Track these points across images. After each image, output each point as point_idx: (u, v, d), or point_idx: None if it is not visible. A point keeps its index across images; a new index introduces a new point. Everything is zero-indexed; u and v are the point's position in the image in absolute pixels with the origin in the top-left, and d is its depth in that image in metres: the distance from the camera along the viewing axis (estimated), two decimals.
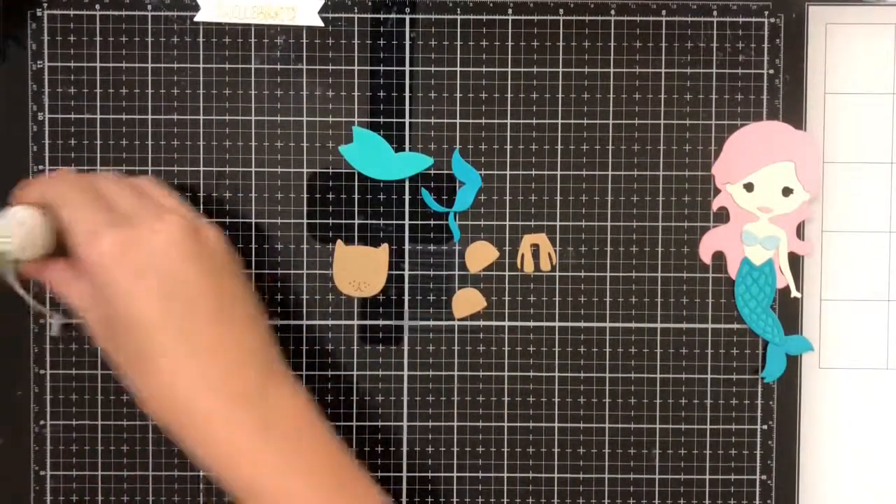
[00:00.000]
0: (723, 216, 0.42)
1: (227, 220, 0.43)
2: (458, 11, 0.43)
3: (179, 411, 0.33)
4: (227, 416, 0.33)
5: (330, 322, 0.43)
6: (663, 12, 0.43)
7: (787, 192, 0.40)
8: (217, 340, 0.34)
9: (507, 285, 0.43)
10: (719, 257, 0.42)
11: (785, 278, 0.41)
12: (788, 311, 0.43)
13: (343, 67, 0.43)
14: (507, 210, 0.43)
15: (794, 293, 0.41)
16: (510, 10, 0.43)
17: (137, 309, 0.33)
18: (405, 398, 0.43)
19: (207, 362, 0.34)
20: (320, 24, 0.43)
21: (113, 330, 0.34)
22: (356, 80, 0.43)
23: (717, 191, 0.41)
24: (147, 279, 0.34)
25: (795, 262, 0.42)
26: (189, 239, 0.35)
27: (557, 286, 0.43)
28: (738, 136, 0.40)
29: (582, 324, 0.43)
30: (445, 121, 0.43)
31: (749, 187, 0.40)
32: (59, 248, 0.36)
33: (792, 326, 0.43)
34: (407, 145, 0.43)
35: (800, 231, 0.42)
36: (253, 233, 0.43)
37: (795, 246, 0.41)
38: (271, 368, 0.35)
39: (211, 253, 0.36)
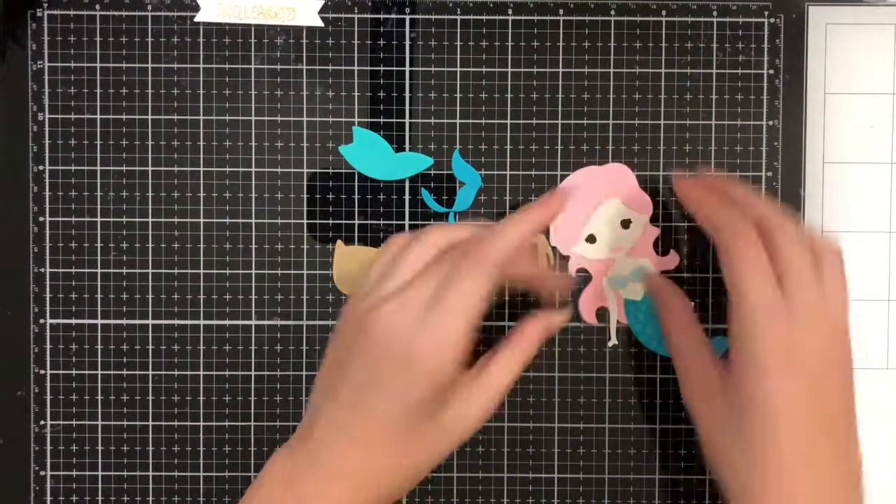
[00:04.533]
0: (587, 277, 0.41)
1: (228, 220, 0.43)
2: (458, 11, 0.43)
3: None
4: None
5: (330, 322, 0.43)
6: (663, 12, 0.43)
7: (626, 224, 0.39)
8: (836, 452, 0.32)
9: (506, 285, 0.43)
10: (604, 310, 0.42)
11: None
12: None
13: (343, 67, 0.43)
14: (507, 210, 0.43)
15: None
16: (510, 10, 0.43)
17: (779, 407, 0.31)
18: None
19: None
20: (320, 24, 0.43)
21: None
22: (356, 80, 0.43)
23: (566, 258, 0.39)
24: (802, 372, 0.31)
25: None
26: None
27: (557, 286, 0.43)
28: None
29: (582, 324, 0.43)
30: (445, 121, 0.43)
31: (591, 239, 0.39)
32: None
33: None
34: (407, 145, 0.43)
35: (656, 246, 0.41)
36: (253, 233, 0.43)
37: (662, 264, 0.40)
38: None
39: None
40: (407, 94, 0.43)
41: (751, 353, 0.31)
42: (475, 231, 0.36)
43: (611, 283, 0.39)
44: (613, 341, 0.39)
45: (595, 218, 0.39)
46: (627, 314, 0.39)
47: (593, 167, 0.39)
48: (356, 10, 0.43)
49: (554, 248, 0.39)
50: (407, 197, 0.43)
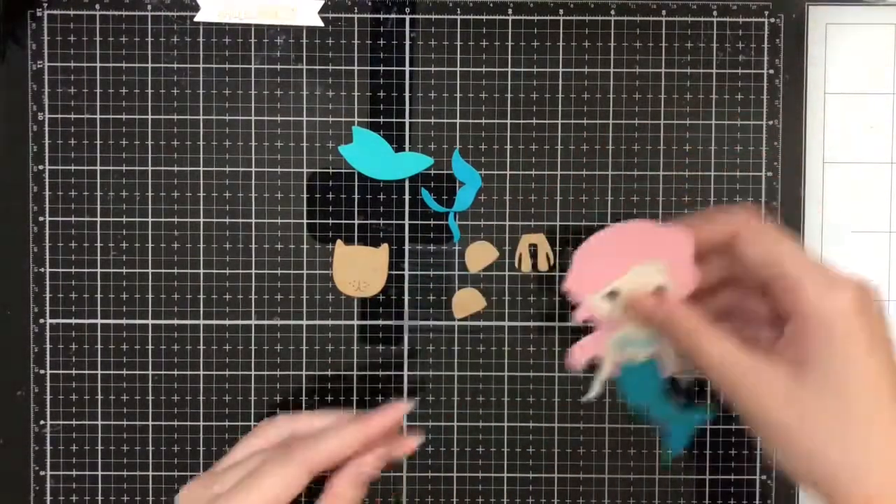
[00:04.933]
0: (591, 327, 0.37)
1: (227, 220, 0.43)
2: (458, 11, 0.43)
3: None
4: None
5: (330, 322, 0.43)
6: (663, 12, 0.43)
7: (658, 290, 0.34)
8: None
9: (507, 285, 0.43)
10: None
11: (670, 368, 0.36)
12: None
13: (343, 67, 0.43)
14: (507, 210, 0.43)
15: (687, 379, 0.36)
16: (510, 10, 0.43)
17: (871, 373, 0.29)
18: (405, 398, 0.43)
19: None
20: (320, 24, 0.43)
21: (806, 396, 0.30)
22: (356, 80, 0.43)
23: (575, 305, 0.35)
24: (876, 340, 0.30)
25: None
26: None
27: (557, 286, 0.43)
28: (591, 245, 0.35)
29: (582, 324, 0.43)
30: (445, 121, 0.43)
31: (612, 296, 0.35)
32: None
33: None
34: (407, 145, 0.43)
35: None
36: (253, 233, 0.43)
37: None
38: None
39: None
40: (407, 94, 0.43)
41: (829, 341, 0.30)
42: (320, 423, 0.35)
43: (616, 342, 0.36)
44: (592, 395, 0.36)
45: (629, 275, 0.35)
46: (623, 372, 0.36)
47: (654, 225, 0.35)
48: (356, 10, 0.43)
49: (565, 294, 0.36)
50: (407, 197, 0.43)
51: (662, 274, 0.34)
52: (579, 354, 0.35)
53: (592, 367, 0.35)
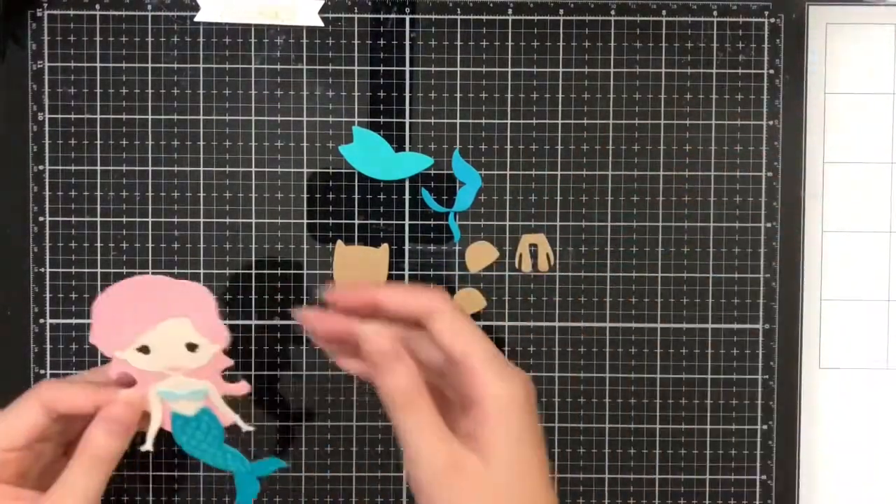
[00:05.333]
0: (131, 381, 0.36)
1: (228, 220, 0.43)
2: (458, 11, 0.43)
3: None
4: None
5: None
6: (663, 12, 0.43)
7: (192, 347, 0.35)
8: None
9: (507, 285, 0.43)
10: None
11: (231, 417, 0.36)
12: (788, 311, 0.43)
13: (343, 67, 0.43)
14: (507, 210, 0.43)
15: (247, 428, 0.35)
16: (510, 10, 0.43)
17: (535, 480, 0.31)
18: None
19: None
20: (320, 24, 0.43)
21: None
22: (356, 80, 0.43)
23: (108, 358, 0.35)
24: (532, 435, 0.32)
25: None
26: None
27: (557, 286, 0.43)
28: (109, 297, 0.34)
29: (582, 324, 0.43)
30: (445, 121, 0.43)
31: (145, 350, 0.34)
32: None
33: (792, 327, 0.43)
34: (407, 145, 0.43)
35: (227, 376, 0.35)
36: (253, 233, 0.43)
37: (228, 389, 0.35)
38: None
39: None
40: (407, 94, 0.43)
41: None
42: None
43: (161, 395, 0.36)
44: (148, 447, 0.35)
45: (157, 331, 0.35)
46: (174, 425, 0.36)
47: (171, 280, 0.35)
48: (356, 10, 0.43)
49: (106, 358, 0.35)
50: (407, 197, 0.43)
51: (190, 329, 0.34)
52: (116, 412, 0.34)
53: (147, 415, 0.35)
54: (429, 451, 0.31)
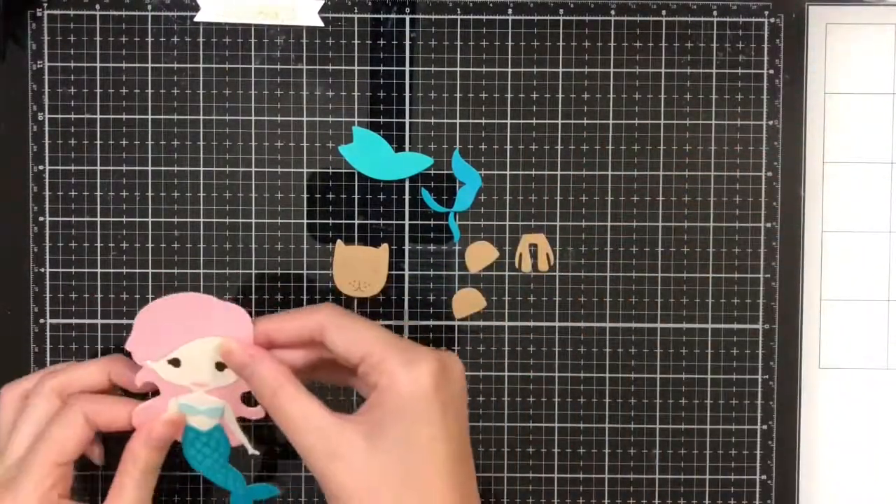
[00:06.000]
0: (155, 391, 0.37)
1: (227, 220, 0.43)
2: (458, 11, 0.43)
3: None
4: None
5: None
6: (663, 12, 0.43)
7: (220, 366, 0.36)
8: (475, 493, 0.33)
9: (507, 285, 0.43)
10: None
11: (238, 439, 0.37)
12: (788, 311, 0.43)
13: (343, 67, 0.43)
14: (507, 210, 0.43)
15: (252, 451, 0.37)
16: (510, 10, 0.43)
17: (437, 454, 0.31)
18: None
19: None
20: (320, 24, 0.43)
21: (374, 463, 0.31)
22: (356, 80, 0.43)
23: (139, 367, 0.36)
24: (449, 417, 0.32)
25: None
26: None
27: (557, 286, 0.43)
28: (152, 310, 0.36)
29: (582, 324, 0.43)
30: (445, 121, 0.43)
31: (175, 363, 0.36)
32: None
33: (792, 327, 0.43)
34: (407, 145, 0.43)
35: (245, 399, 0.37)
36: (253, 233, 0.43)
37: (244, 412, 0.37)
38: None
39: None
40: (407, 94, 0.43)
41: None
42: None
43: (181, 406, 0.37)
44: None
45: (190, 346, 0.36)
46: (186, 437, 0.37)
47: (213, 299, 0.35)
48: (356, 10, 0.43)
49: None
50: (407, 197, 0.43)
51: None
52: (141, 418, 0.36)
53: None
54: (304, 443, 0.32)
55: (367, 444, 0.31)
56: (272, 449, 0.43)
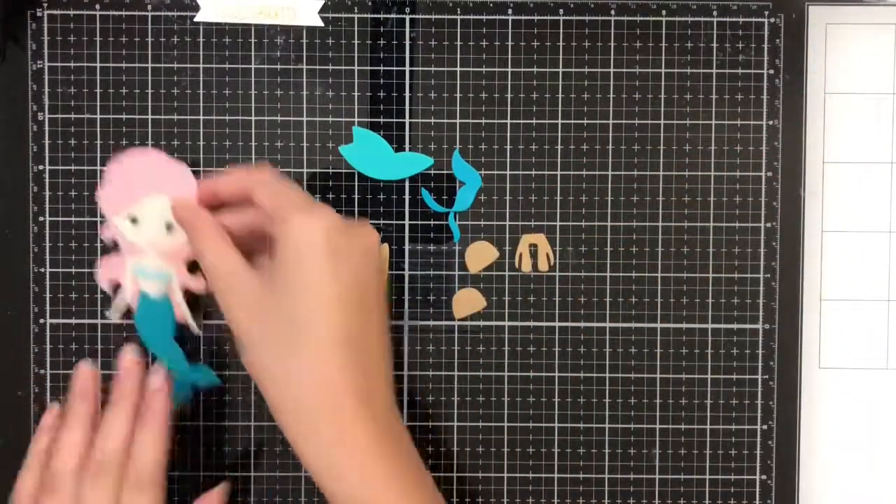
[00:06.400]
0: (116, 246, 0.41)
1: None
2: (458, 11, 0.43)
3: (309, 406, 0.33)
4: (351, 415, 0.33)
5: None
6: (663, 12, 0.43)
7: (169, 227, 0.38)
8: (374, 346, 0.35)
9: (507, 285, 0.43)
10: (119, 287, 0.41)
11: (182, 312, 0.39)
12: (788, 311, 0.43)
13: (343, 67, 0.43)
14: (507, 210, 0.43)
15: (196, 331, 0.39)
16: (510, 10, 0.43)
17: (321, 293, 0.33)
18: (405, 398, 0.43)
19: (355, 359, 0.33)
20: (320, 24, 0.43)
21: (267, 314, 0.34)
22: (356, 80, 0.43)
23: (104, 220, 0.39)
24: (340, 266, 0.33)
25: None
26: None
27: (557, 286, 0.43)
28: (120, 164, 0.39)
29: (582, 324, 0.43)
30: (445, 121, 0.43)
31: (134, 220, 0.38)
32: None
33: (792, 327, 0.43)
34: (407, 145, 0.43)
35: (191, 266, 0.40)
36: None
37: (187, 281, 0.39)
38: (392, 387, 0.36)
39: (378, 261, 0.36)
40: (407, 94, 0.43)
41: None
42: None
43: (135, 268, 0.39)
44: (112, 317, 0.41)
45: (143, 205, 0.38)
46: (139, 304, 0.39)
47: (162, 155, 0.39)
48: (356, 10, 0.43)
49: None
50: (407, 197, 0.43)
51: (168, 209, 0.38)
52: (104, 273, 0.40)
53: (117, 288, 0.40)
54: (216, 287, 0.35)
55: (262, 289, 0.34)
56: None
